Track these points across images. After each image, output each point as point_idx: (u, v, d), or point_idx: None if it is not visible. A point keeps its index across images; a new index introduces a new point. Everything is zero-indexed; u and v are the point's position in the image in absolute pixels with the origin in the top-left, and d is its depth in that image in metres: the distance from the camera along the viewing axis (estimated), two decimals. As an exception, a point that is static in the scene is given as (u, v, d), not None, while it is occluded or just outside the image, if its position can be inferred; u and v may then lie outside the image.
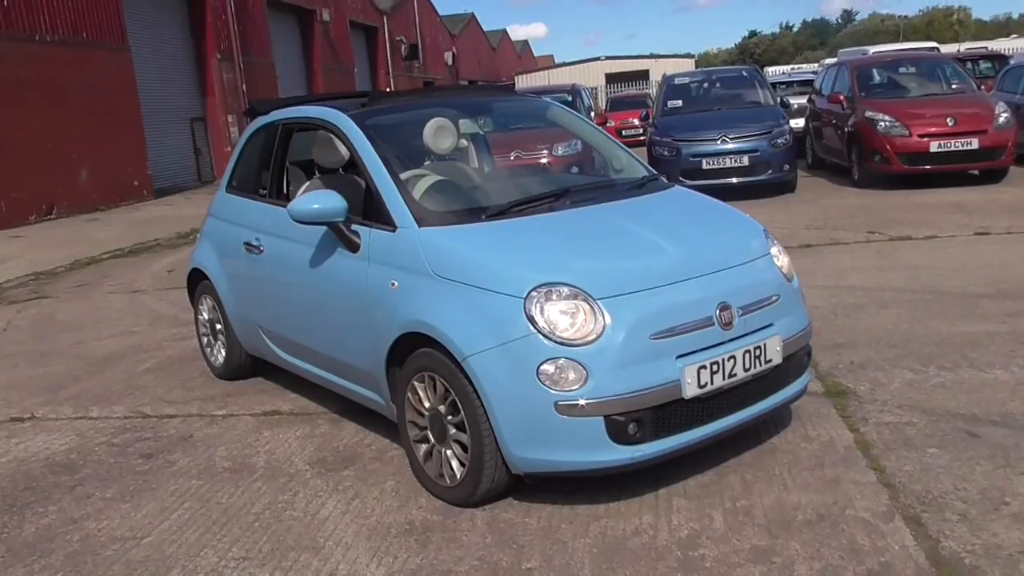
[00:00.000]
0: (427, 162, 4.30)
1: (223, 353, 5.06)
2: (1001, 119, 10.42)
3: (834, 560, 2.75)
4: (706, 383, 3.13)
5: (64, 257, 10.55)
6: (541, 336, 2.99)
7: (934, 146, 10.36)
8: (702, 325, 3.15)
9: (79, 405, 4.89)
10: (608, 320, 3.02)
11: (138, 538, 3.25)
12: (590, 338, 2.99)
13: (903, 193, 10.37)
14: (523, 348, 3.00)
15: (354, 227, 3.68)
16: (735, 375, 3.21)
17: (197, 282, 5.16)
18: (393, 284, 3.43)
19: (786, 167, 10.94)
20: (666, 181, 4.18)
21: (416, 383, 3.39)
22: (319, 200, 3.64)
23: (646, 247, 3.35)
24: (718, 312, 3.19)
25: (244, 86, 20.91)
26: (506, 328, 3.04)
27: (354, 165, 4.20)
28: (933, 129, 10.41)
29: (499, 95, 4.65)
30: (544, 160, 10.18)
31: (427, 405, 3.37)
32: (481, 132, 4.59)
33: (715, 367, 3.15)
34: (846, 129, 11.44)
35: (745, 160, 10.75)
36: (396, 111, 4.30)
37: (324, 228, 3.79)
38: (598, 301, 3.05)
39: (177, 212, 14.82)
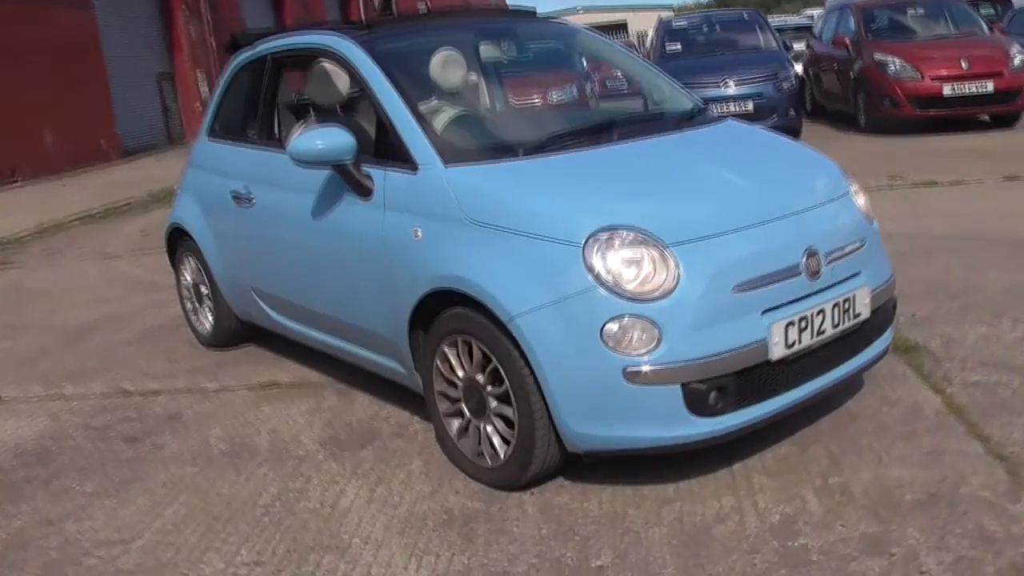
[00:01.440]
0: (433, 99, 3.76)
1: (210, 319, 4.54)
2: (1017, 60, 9.95)
3: (964, 551, 2.31)
4: (794, 342, 2.67)
5: (30, 223, 9.87)
6: (604, 290, 2.50)
7: (947, 89, 9.90)
8: (789, 275, 2.68)
9: (51, 383, 4.35)
10: (683, 270, 2.54)
11: (127, 541, 2.75)
12: (663, 292, 2.51)
13: (914, 139, 9.93)
14: (583, 305, 2.51)
15: (364, 169, 3.15)
16: (823, 332, 2.75)
17: (178, 241, 4.61)
18: (416, 233, 2.92)
19: (791, 113, 10.44)
20: (715, 114, 3.68)
21: (447, 349, 2.90)
22: (323, 137, 3.10)
23: (718, 184, 2.86)
24: (805, 259, 2.72)
25: (213, 41, 19.97)
26: (562, 282, 2.55)
27: (353, 104, 3.65)
28: (946, 72, 9.94)
29: (521, 19, 4.11)
30: (538, 109, 9.59)
31: (461, 374, 2.89)
32: (504, 59, 4.03)
33: (803, 323, 2.69)
34: (852, 74, 10.95)
35: (749, 106, 10.22)
36: (407, 36, 3.74)
37: (328, 172, 3.26)
38: (670, 247, 2.56)
39: (148, 173, 14.05)
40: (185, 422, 3.70)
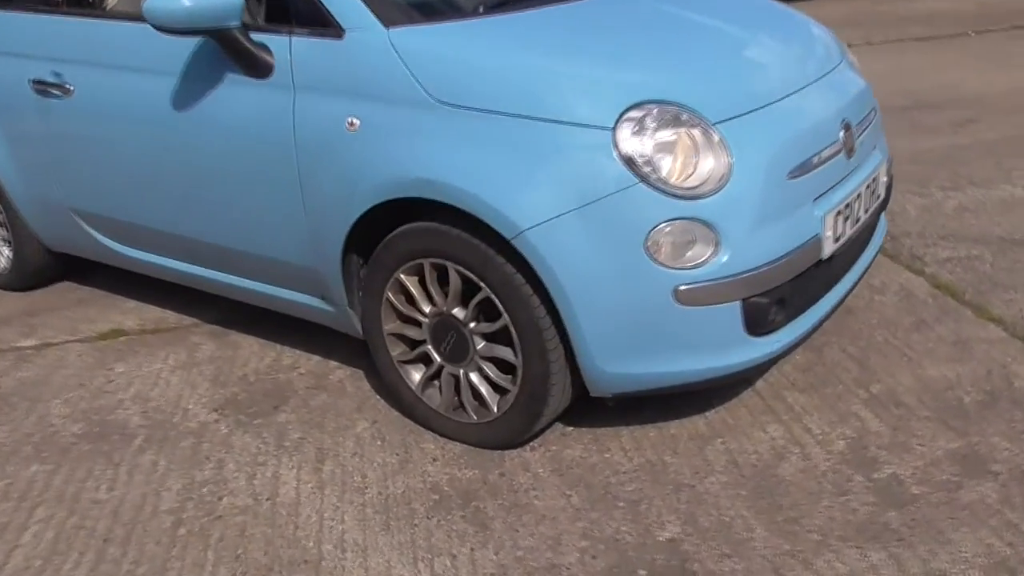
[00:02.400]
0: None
1: (6, 254, 3.43)
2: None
3: (1067, 458, 2.04)
4: (840, 235, 2.22)
5: None
6: (647, 187, 1.90)
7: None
8: (833, 153, 2.20)
9: None
10: (733, 155, 1.98)
11: (-20, 599, 1.89)
12: (714, 184, 1.94)
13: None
14: (620, 208, 1.90)
15: (256, 37, 2.27)
16: (859, 219, 2.34)
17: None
18: (351, 123, 2.13)
19: None
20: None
21: (405, 277, 2.19)
22: (192, -8, 2.17)
23: (738, 44, 2.29)
24: (842, 134, 2.25)
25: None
26: (587, 179, 1.91)
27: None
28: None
29: None
30: None
31: (428, 309, 2.20)
32: None
33: (847, 211, 2.24)
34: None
35: None
36: None
37: (195, 43, 2.35)
38: (716, 126, 1.98)
39: None
40: (6, 398, 2.72)
